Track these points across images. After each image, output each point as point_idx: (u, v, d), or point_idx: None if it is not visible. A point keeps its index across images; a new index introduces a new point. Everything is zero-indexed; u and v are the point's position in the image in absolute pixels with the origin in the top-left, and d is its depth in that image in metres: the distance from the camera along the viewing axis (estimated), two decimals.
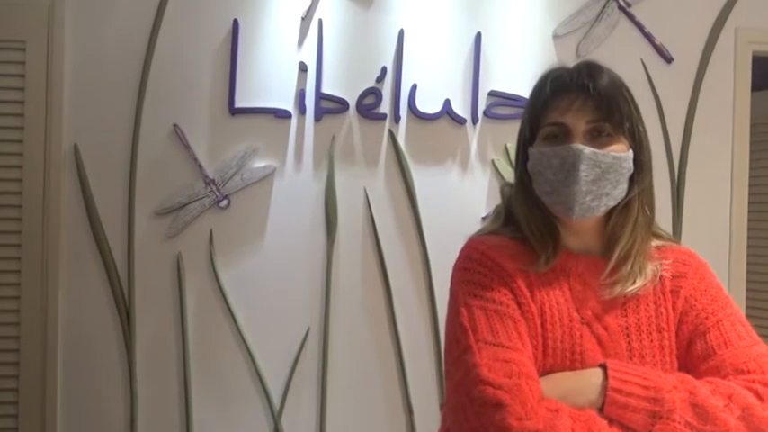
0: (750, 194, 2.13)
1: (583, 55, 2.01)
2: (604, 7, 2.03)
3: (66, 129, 1.87)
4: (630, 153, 0.86)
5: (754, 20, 2.10)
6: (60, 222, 1.86)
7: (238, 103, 1.91)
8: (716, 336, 0.83)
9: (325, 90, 1.94)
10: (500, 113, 1.99)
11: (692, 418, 0.74)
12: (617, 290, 0.85)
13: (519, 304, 0.83)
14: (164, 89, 1.90)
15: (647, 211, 0.89)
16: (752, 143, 2.13)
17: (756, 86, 2.18)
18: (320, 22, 1.93)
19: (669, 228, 2.05)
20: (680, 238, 2.04)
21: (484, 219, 1.97)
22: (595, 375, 0.78)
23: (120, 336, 1.89)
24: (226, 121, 1.92)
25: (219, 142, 1.92)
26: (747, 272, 2.12)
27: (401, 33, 1.96)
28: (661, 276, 0.88)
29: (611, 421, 0.75)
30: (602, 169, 0.83)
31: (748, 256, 2.12)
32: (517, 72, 2.00)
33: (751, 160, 2.12)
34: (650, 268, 0.87)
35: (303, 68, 1.93)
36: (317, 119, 1.94)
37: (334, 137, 1.95)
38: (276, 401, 1.92)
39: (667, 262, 0.89)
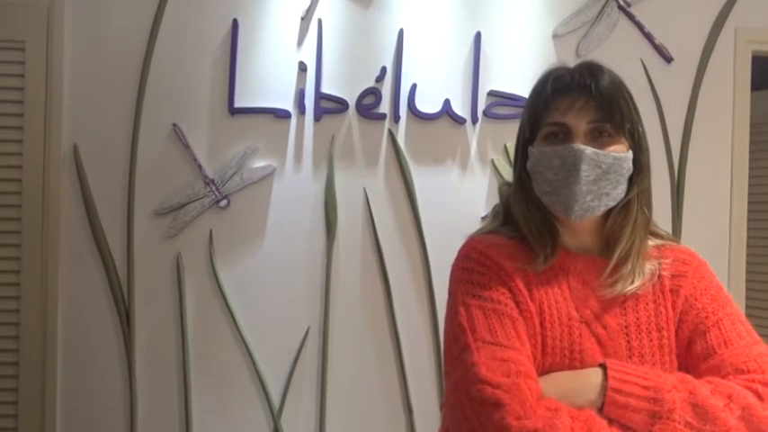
0: (750, 194, 2.13)
1: (583, 55, 2.01)
2: (604, 7, 2.03)
3: (65, 128, 1.87)
4: (630, 153, 0.86)
5: (753, 19, 2.10)
6: (60, 222, 1.86)
7: (238, 103, 1.91)
8: (716, 335, 0.83)
9: (325, 90, 1.94)
10: (500, 113, 1.99)
11: (691, 418, 0.74)
12: (617, 289, 0.85)
13: (517, 303, 0.83)
14: (163, 89, 1.90)
15: (646, 212, 0.89)
16: (751, 143, 2.13)
17: (756, 86, 2.18)
18: (320, 21, 1.93)
19: (669, 227, 2.05)
20: (680, 237, 2.04)
21: (483, 218, 1.97)
22: (595, 375, 0.78)
23: (119, 335, 1.89)
24: (225, 120, 1.92)
25: (219, 142, 1.92)
26: (747, 271, 2.12)
27: (401, 33, 1.96)
28: (660, 275, 0.88)
29: (610, 421, 0.75)
30: (602, 169, 0.83)
31: (748, 255, 2.12)
32: (517, 72, 2.00)
33: (750, 160, 2.12)
34: (648, 267, 0.87)
35: (303, 68, 1.93)
36: (317, 119, 1.94)
37: (333, 137, 1.95)
38: (276, 401, 1.92)
39: (667, 261, 0.89)
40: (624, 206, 0.87)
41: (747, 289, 2.13)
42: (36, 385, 1.84)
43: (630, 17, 2.05)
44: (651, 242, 0.91)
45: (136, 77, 1.89)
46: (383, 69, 1.95)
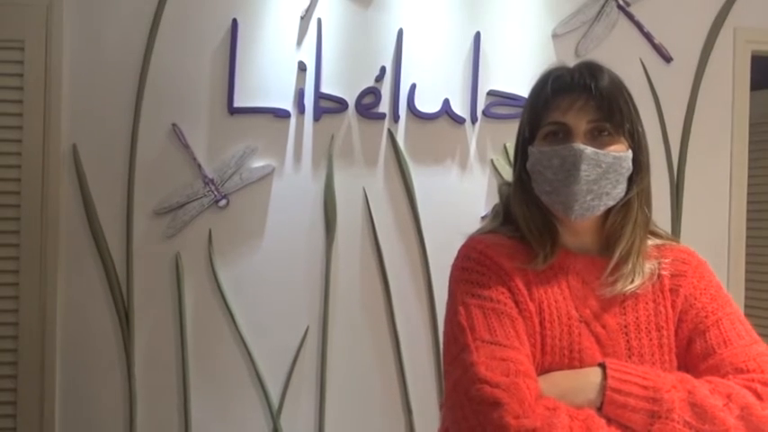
0: (749, 193, 2.13)
1: (582, 54, 2.01)
2: (603, 6, 2.03)
3: (64, 128, 1.87)
4: (630, 153, 0.86)
5: (752, 19, 2.10)
6: (59, 222, 1.86)
7: (237, 103, 1.91)
8: (715, 335, 0.83)
9: (325, 89, 1.94)
10: (499, 113, 1.99)
11: (690, 418, 0.73)
12: (617, 288, 0.85)
13: (516, 303, 0.83)
14: (163, 88, 1.90)
15: (646, 211, 0.89)
16: (751, 142, 2.14)
17: (755, 86, 2.18)
18: (319, 21, 1.93)
19: (668, 227, 2.05)
20: (679, 237, 2.04)
21: (483, 218, 1.97)
22: (594, 374, 0.78)
23: (118, 335, 1.88)
24: (225, 120, 1.92)
25: (218, 142, 1.92)
26: (746, 271, 2.12)
27: (400, 33, 1.96)
28: (660, 275, 0.88)
29: (609, 420, 0.75)
30: (602, 169, 0.83)
31: (747, 255, 2.12)
32: (516, 71, 2.00)
33: (750, 159, 2.12)
34: (648, 267, 0.87)
35: (302, 68, 1.93)
36: (316, 118, 1.94)
37: (333, 136, 1.95)
38: (275, 401, 1.92)
39: (666, 261, 0.89)
40: (624, 205, 0.87)
41: (747, 288, 2.14)
42: (35, 385, 1.84)
43: (630, 17, 2.05)
44: (651, 242, 0.91)
45: (135, 77, 1.89)
46: (383, 69, 1.95)
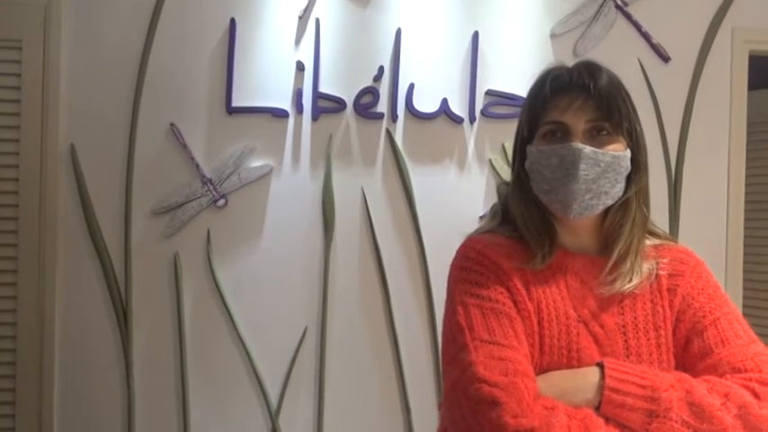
0: (747, 193, 2.13)
1: (580, 54, 2.01)
2: (601, 6, 2.04)
3: (62, 128, 1.86)
4: (628, 152, 0.86)
5: (750, 19, 2.11)
6: (57, 221, 1.85)
7: (235, 103, 1.91)
8: (713, 334, 0.84)
9: (323, 89, 1.94)
10: (497, 113, 1.99)
11: (688, 417, 0.74)
12: (615, 287, 0.85)
13: (515, 302, 0.83)
14: (161, 88, 1.90)
15: (644, 210, 0.89)
16: (748, 142, 2.14)
17: (753, 85, 2.19)
18: (317, 21, 1.93)
19: (666, 226, 2.05)
20: (677, 236, 2.04)
21: (481, 218, 1.97)
22: (592, 374, 0.78)
23: (117, 335, 1.88)
24: (223, 120, 1.92)
25: (217, 141, 1.91)
26: (744, 270, 2.12)
27: (398, 32, 1.96)
28: (657, 275, 0.88)
29: (607, 420, 0.75)
30: (601, 168, 0.83)
31: (745, 254, 2.12)
32: (514, 71, 2.00)
33: (748, 159, 2.13)
34: (646, 266, 0.87)
35: (300, 67, 1.93)
36: (315, 118, 1.94)
37: (331, 136, 1.95)
38: (273, 401, 1.92)
39: (664, 260, 0.89)
40: (622, 204, 0.88)
41: (745, 288, 2.14)
42: (33, 385, 1.83)
43: (628, 17, 2.05)
44: (649, 242, 0.91)
45: (133, 76, 1.88)
46: (381, 69, 1.95)
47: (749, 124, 2.13)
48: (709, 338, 0.83)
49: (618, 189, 0.86)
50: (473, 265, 0.87)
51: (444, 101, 1.96)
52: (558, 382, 0.79)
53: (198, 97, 1.91)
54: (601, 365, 0.79)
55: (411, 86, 1.96)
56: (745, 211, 2.13)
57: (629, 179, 0.87)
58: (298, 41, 1.94)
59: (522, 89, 1.97)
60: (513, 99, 1.98)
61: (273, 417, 1.91)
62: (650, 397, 0.75)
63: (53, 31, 1.84)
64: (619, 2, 2.04)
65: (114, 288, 1.88)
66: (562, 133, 0.85)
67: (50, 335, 1.84)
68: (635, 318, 0.86)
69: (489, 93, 1.99)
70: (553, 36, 2.03)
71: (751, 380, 0.78)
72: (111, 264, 1.88)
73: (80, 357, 1.88)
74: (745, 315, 0.90)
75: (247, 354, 1.91)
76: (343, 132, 1.96)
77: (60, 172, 1.86)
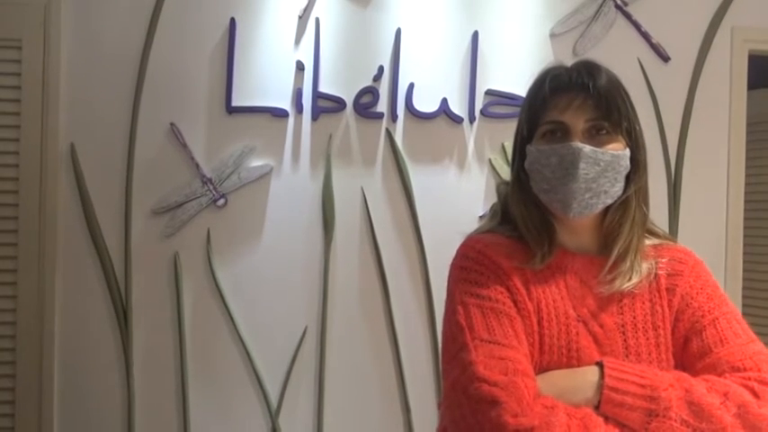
0: (746, 192, 2.13)
1: (580, 54, 2.01)
2: (601, 6, 2.04)
3: (62, 127, 1.86)
4: (627, 151, 0.86)
5: (750, 19, 2.11)
6: (57, 221, 1.85)
7: (235, 102, 1.91)
8: (712, 334, 0.84)
9: (323, 89, 1.94)
10: (497, 112, 2.00)
11: (688, 416, 0.74)
12: (615, 286, 0.85)
13: (515, 302, 0.83)
14: (161, 88, 1.90)
15: (644, 209, 0.90)
16: (748, 141, 2.14)
17: (752, 85, 2.19)
18: (317, 20, 1.93)
19: (666, 226, 2.06)
20: (676, 236, 2.05)
21: (481, 217, 1.97)
22: (592, 373, 0.79)
23: (117, 335, 1.88)
24: (223, 119, 1.92)
25: (216, 141, 1.92)
26: (744, 270, 2.12)
27: (398, 32, 1.96)
28: (657, 274, 0.88)
29: (606, 419, 0.75)
30: (601, 167, 0.84)
31: (745, 254, 2.12)
32: (514, 71, 2.00)
33: (747, 158, 2.13)
34: (645, 265, 0.87)
35: (300, 67, 1.93)
36: (315, 118, 1.94)
37: (331, 136, 1.95)
38: (273, 400, 1.92)
39: (663, 260, 0.89)
40: (622, 203, 0.88)
41: (744, 287, 2.14)
42: (33, 384, 1.83)
43: (627, 16, 2.06)
44: (648, 241, 0.91)
45: (133, 76, 1.89)
46: (380, 68, 1.95)
47: (749, 124, 2.13)
48: (708, 338, 0.83)
49: (617, 188, 0.86)
50: (473, 264, 0.87)
51: (444, 101, 1.97)
52: (557, 382, 0.79)
53: (198, 97, 1.91)
54: (600, 365, 0.79)
55: (411, 86, 1.96)
56: (745, 210, 2.13)
57: (628, 178, 0.87)
58: (298, 41, 1.94)
59: (521, 89, 1.97)
60: (512, 99, 1.98)
61: (273, 416, 1.91)
62: (649, 396, 0.75)
63: (53, 31, 1.84)
64: (618, 2, 2.05)
65: (114, 287, 1.88)
66: (562, 133, 0.86)
67: (50, 334, 1.85)
68: (634, 317, 0.86)
69: (489, 92, 2.00)
70: (553, 36, 2.03)
71: (750, 379, 0.78)
72: (111, 263, 1.88)
73: (80, 357, 1.88)
74: (744, 314, 0.91)
75: (247, 354, 1.91)
76: (342, 132, 1.96)
77: (60, 172, 1.86)
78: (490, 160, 2.00)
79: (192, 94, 1.91)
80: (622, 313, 0.86)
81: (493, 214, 0.99)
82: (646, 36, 2.06)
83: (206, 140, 1.91)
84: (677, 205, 2.07)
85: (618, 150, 0.85)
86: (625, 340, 0.84)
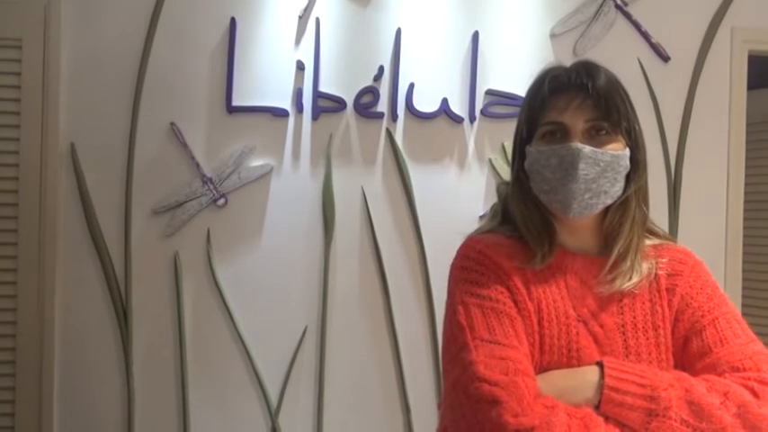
0: (746, 192, 2.13)
1: (580, 54, 2.02)
2: (601, 6, 2.04)
3: (62, 127, 1.86)
4: (627, 151, 0.86)
5: (750, 19, 2.11)
6: (57, 221, 1.85)
7: (235, 102, 1.91)
8: (712, 334, 0.84)
9: (323, 89, 1.94)
10: (497, 112, 2.00)
11: (688, 416, 0.74)
12: (615, 285, 0.85)
13: (515, 302, 0.83)
14: (161, 87, 1.90)
15: (644, 208, 0.90)
16: (748, 142, 2.14)
17: (752, 85, 2.19)
18: (317, 20, 1.93)
19: (665, 226, 2.06)
20: (676, 236, 2.05)
21: (481, 217, 1.97)
22: (592, 373, 0.79)
23: (117, 334, 1.88)
24: (223, 119, 1.92)
25: (217, 141, 1.92)
26: (744, 270, 2.13)
27: (398, 32, 1.96)
28: (656, 274, 0.89)
29: (607, 419, 0.75)
30: (600, 167, 0.84)
31: (744, 254, 2.12)
32: (514, 71, 2.00)
33: (747, 159, 2.13)
34: (645, 265, 0.88)
35: (300, 67, 1.93)
36: (315, 117, 1.94)
37: (331, 135, 1.95)
38: (273, 400, 1.92)
39: (663, 260, 0.90)
40: (622, 203, 0.88)
41: (744, 287, 2.14)
42: (33, 384, 1.84)
43: (627, 16, 2.06)
44: (648, 241, 0.91)
45: (133, 76, 1.89)
46: (381, 68, 1.95)
47: (749, 124, 2.13)
48: (708, 338, 0.84)
49: (617, 188, 0.86)
50: (473, 264, 0.87)
51: (444, 100, 1.97)
52: (557, 382, 0.79)
53: (198, 96, 1.91)
54: (600, 365, 0.79)
55: (411, 86, 1.96)
56: (745, 210, 2.13)
57: (628, 178, 0.87)
58: (298, 41, 1.94)
59: (521, 89, 1.97)
60: (512, 99, 1.98)
61: (273, 416, 1.91)
62: (650, 396, 0.75)
63: (53, 31, 1.84)
64: (618, 1, 2.05)
65: (114, 287, 1.88)
66: (561, 133, 0.86)
67: (50, 334, 1.85)
68: (634, 317, 0.86)
69: (489, 92, 2.00)
70: (553, 36, 2.03)
71: (750, 379, 0.78)
72: (111, 263, 1.88)
73: (80, 356, 1.88)
74: (743, 314, 0.91)
75: (247, 353, 1.91)
76: (343, 132, 1.96)
77: (60, 171, 1.86)
78: (490, 160, 2.00)
79: (192, 94, 1.91)
80: (622, 313, 0.86)
81: (493, 214, 0.99)
82: (646, 36, 2.06)
83: (206, 140, 1.92)
84: (677, 205, 2.08)
85: (617, 150, 0.85)
86: (625, 340, 0.84)
